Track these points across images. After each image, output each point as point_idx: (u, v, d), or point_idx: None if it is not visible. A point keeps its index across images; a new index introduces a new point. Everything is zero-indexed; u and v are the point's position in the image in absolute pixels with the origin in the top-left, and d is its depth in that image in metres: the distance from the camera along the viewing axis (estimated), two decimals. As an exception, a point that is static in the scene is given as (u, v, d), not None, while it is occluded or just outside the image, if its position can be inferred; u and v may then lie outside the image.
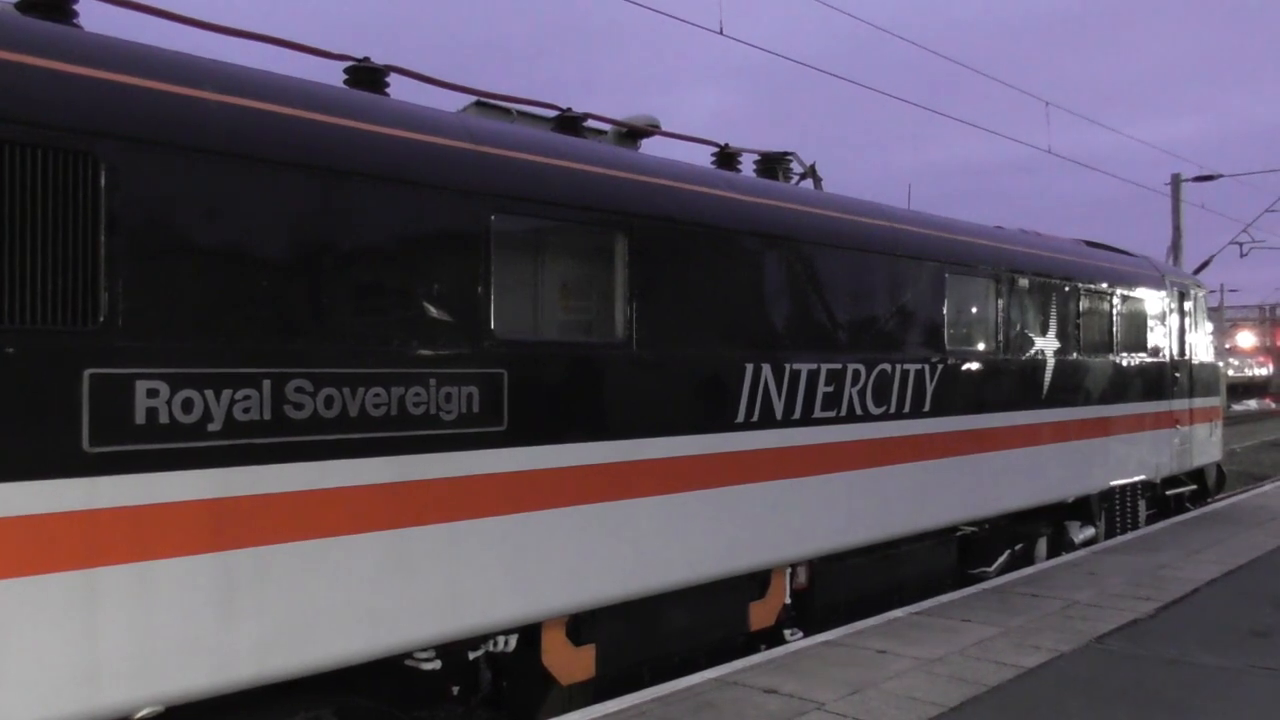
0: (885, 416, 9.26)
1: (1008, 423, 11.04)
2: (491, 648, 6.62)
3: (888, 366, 9.30)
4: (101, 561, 4.64)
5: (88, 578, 4.61)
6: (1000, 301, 11.01)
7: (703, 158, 8.89)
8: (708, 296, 7.66)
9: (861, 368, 8.98)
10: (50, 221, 4.58)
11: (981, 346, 10.82)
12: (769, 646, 8.46)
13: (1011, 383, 11.20)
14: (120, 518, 4.70)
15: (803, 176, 10.09)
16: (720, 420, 7.70)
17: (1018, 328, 11.31)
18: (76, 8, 5.25)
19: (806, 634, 8.80)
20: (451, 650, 6.33)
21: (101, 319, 4.67)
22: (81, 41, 4.95)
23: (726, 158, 8.86)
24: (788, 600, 8.73)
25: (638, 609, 7.26)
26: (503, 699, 7.10)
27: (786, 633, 8.78)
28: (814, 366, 8.49)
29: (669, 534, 7.28)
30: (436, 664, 6.24)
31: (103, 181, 4.71)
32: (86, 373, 4.60)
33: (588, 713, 6.53)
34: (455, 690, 6.76)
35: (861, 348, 9.01)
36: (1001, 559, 11.78)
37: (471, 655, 6.60)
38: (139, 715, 4.81)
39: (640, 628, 7.36)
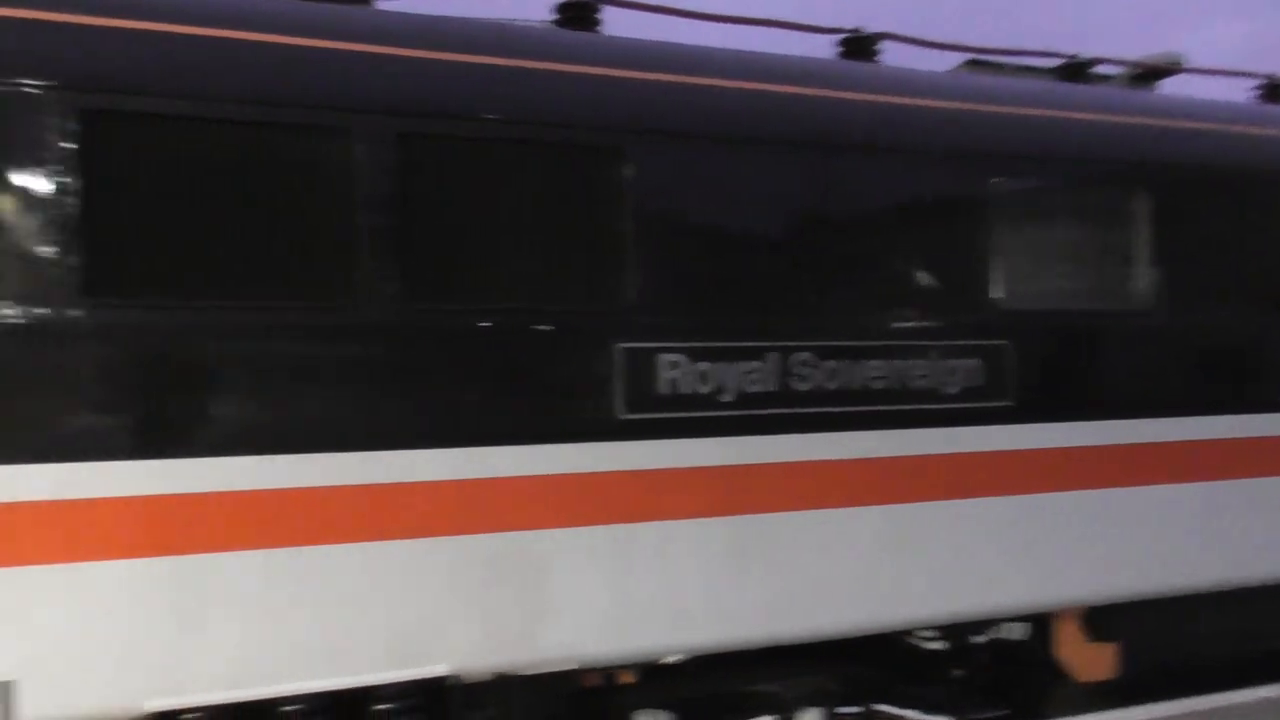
0: None
1: None
2: (998, 634, 6.30)
3: None
4: (633, 518, 5.11)
5: (622, 531, 5.09)
6: None
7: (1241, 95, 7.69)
8: (1254, 255, 6.65)
9: None
10: (584, 212, 5.11)
11: None
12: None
13: None
14: (647, 480, 5.13)
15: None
16: (1268, 399, 6.68)
17: None
18: (600, 16, 5.81)
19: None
20: (955, 632, 6.12)
21: (629, 298, 5.12)
22: (604, 45, 5.46)
23: (1275, 90, 7.59)
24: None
25: (1168, 608, 6.50)
26: (1006, 688, 6.75)
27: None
28: None
29: (1204, 526, 6.47)
30: (940, 644, 6.08)
31: (628, 174, 5.15)
32: (618, 347, 5.07)
33: (1109, 716, 5.98)
34: (957, 673, 6.54)
35: None
36: None
37: (976, 639, 6.33)
38: (665, 660, 5.24)
39: (1171, 629, 6.59)
